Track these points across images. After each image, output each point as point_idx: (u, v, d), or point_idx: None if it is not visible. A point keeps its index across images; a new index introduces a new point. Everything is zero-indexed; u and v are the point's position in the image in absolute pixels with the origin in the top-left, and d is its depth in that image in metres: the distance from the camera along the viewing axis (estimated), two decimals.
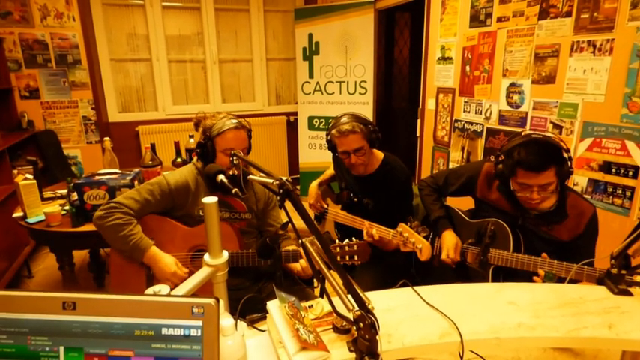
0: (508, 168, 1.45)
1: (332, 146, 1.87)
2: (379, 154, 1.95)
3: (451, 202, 1.86)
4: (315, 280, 1.93)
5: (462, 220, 1.74)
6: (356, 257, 1.49)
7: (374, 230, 1.69)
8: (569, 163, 1.42)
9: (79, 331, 0.63)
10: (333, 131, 1.82)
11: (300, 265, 1.60)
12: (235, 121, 1.62)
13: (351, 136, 1.78)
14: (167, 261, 1.48)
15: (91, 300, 0.63)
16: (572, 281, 1.34)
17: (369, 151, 1.86)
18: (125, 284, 1.55)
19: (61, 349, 0.63)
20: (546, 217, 1.51)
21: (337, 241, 1.51)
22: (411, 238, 1.52)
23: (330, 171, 2.17)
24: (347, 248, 1.48)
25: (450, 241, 1.64)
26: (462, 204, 1.84)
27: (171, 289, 0.96)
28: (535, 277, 1.42)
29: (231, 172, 1.43)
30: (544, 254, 1.44)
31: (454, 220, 1.76)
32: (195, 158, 1.70)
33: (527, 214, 1.55)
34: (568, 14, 2.11)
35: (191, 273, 1.53)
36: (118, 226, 1.45)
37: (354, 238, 1.50)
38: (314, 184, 2.11)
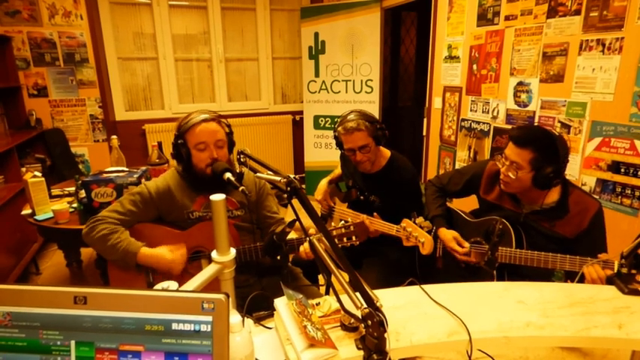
0: (506, 141, 1.55)
1: (339, 143, 1.88)
2: (386, 152, 1.94)
3: (456, 203, 1.85)
4: (321, 277, 1.93)
5: (463, 220, 1.74)
6: (354, 238, 1.48)
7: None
8: (557, 168, 1.39)
9: (89, 326, 0.63)
10: (339, 128, 1.83)
11: (302, 252, 1.54)
12: (204, 115, 1.55)
13: (357, 133, 1.78)
14: (160, 252, 1.48)
15: (101, 295, 0.63)
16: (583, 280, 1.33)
17: (375, 148, 1.86)
18: None
19: (72, 343, 0.64)
20: (547, 212, 1.51)
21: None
22: (414, 232, 1.53)
23: (339, 170, 2.17)
24: (344, 230, 1.48)
25: (446, 235, 1.66)
26: (466, 206, 1.84)
27: (179, 285, 0.97)
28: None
29: (239, 170, 1.43)
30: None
31: (456, 220, 1.76)
32: (175, 161, 1.66)
33: (528, 210, 1.54)
34: (577, 12, 2.10)
35: (190, 275, 1.52)
36: (104, 237, 1.43)
37: (349, 219, 1.50)
38: (324, 181, 2.09)
